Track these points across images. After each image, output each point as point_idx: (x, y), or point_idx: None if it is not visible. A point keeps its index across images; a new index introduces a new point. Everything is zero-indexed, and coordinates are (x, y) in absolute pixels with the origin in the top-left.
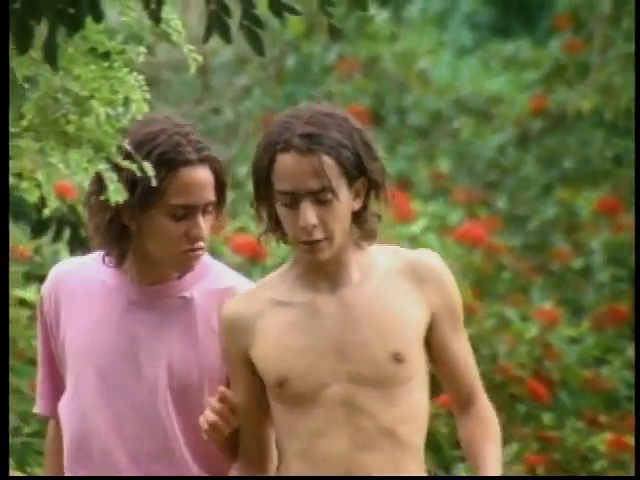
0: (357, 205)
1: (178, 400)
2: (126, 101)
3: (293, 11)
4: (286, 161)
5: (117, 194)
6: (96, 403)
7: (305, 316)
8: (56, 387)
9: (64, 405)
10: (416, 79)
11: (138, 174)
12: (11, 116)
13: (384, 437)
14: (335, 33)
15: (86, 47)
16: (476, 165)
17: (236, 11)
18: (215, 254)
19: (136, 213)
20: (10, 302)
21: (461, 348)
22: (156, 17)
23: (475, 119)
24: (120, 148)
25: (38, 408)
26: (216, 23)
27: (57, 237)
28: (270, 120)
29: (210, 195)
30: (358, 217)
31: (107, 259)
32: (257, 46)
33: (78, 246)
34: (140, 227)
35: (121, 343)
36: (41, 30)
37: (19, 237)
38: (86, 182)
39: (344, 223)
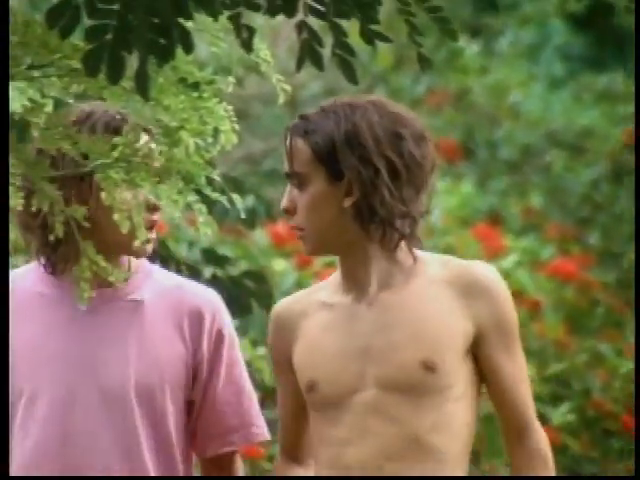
0: (347, 203)
1: (142, 406)
2: (215, 132)
3: (384, 38)
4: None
5: (207, 226)
6: (48, 419)
7: (342, 319)
8: None
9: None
10: (507, 112)
11: (227, 206)
12: (104, 147)
13: (411, 446)
14: (425, 62)
15: (176, 77)
16: (568, 200)
17: (327, 41)
18: (303, 288)
19: (85, 195)
20: None
21: (512, 370)
22: (247, 45)
23: (567, 153)
24: (209, 179)
25: None
26: (308, 52)
27: None
28: None
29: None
30: (360, 217)
31: (46, 267)
32: (350, 74)
33: None
34: (91, 216)
35: (71, 352)
36: (131, 60)
37: (110, 270)
38: (176, 214)
39: (319, 215)
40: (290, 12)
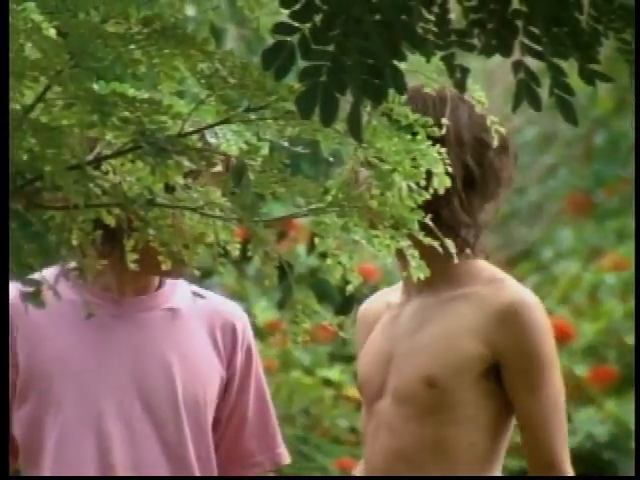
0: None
1: (190, 420)
2: (428, 175)
3: (605, 78)
4: None
5: (419, 271)
6: (80, 432)
7: (390, 320)
8: None
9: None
10: None
11: (440, 251)
12: (317, 190)
13: (402, 463)
14: None
15: (389, 120)
16: None
17: (544, 83)
18: None
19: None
20: (315, 381)
21: (534, 407)
22: (461, 86)
23: None
24: (421, 224)
25: None
26: (525, 92)
27: None
28: (576, 200)
29: None
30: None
31: (76, 272)
32: (569, 115)
33: None
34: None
35: (110, 363)
36: (344, 104)
37: (324, 315)
38: (389, 260)
39: None
40: (506, 52)
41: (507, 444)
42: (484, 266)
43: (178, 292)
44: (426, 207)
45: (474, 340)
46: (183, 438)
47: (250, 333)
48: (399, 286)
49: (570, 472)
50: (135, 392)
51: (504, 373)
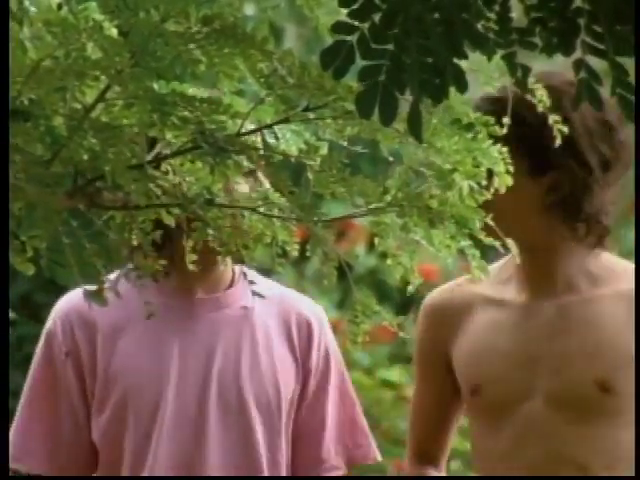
0: (549, 199)
1: (263, 424)
2: (489, 174)
3: None
4: None
5: (480, 271)
6: (156, 437)
7: (515, 318)
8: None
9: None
10: None
11: (501, 250)
12: (377, 190)
13: (565, 470)
14: None
15: (450, 118)
16: None
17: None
18: None
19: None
20: (375, 382)
21: None
22: (522, 85)
23: None
24: (483, 224)
25: (33, 466)
26: (586, 90)
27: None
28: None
29: None
30: (565, 214)
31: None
32: (631, 114)
33: None
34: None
35: (179, 366)
36: (404, 105)
37: (384, 316)
38: (449, 260)
39: (514, 213)
40: (568, 51)
41: None
42: (615, 259)
43: (249, 288)
44: (568, 199)
45: (633, 336)
46: (253, 440)
47: (327, 330)
48: (463, 281)
49: None
50: (209, 395)
51: None
